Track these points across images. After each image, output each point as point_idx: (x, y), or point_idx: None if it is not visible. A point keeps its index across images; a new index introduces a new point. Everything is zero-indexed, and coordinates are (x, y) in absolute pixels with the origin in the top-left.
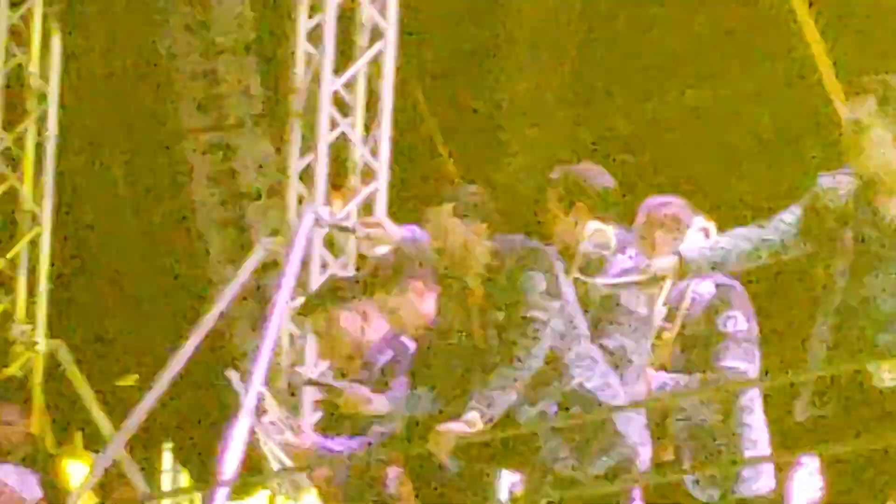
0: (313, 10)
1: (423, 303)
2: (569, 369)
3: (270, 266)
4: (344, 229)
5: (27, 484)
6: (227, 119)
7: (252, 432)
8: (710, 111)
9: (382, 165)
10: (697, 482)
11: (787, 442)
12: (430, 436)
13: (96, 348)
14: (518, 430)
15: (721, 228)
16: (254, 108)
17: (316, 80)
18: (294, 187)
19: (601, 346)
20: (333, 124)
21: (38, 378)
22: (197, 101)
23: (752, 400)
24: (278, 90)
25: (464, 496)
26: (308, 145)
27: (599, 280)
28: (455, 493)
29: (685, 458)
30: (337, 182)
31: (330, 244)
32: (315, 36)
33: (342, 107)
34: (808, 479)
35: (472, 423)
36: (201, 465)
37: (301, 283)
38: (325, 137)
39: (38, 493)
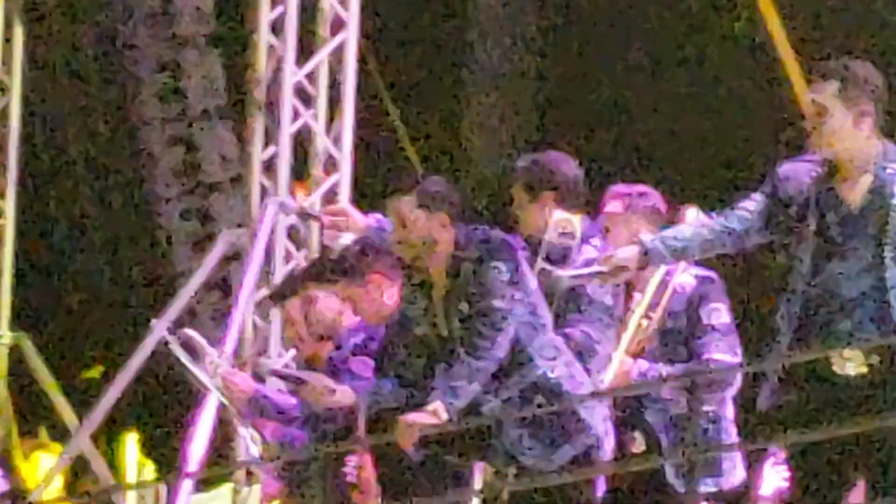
0: (275, 1)
1: (383, 293)
2: (532, 359)
3: (234, 258)
4: (308, 216)
5: None
6: (191, 111)
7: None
8: (674, 96)
9: (345, 156)
10: (683, 474)
11: (751, 432)
12: (395, 426)
13: (60, 340)
14: (482, 421)
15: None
16: (217, 100)
17: (278, 71)
18: (257, 179)
19: (565, 336)
20: (296, 115)
21: (2, 371)
22: (160, 93)
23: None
24: (241, 82)
25: (429, 485)
26: (271, 137)
27: (561, 272)
28: (421, 482)
29: (664, 448)
30: (300, 173)
31: (293, 236)
32: (277, 27)
33: (305, 98)
34: (775, 469)
35: (436, 413)
36: (166, 457)
37: (265, 275)
38: (287, 128)
39: (2, 485)
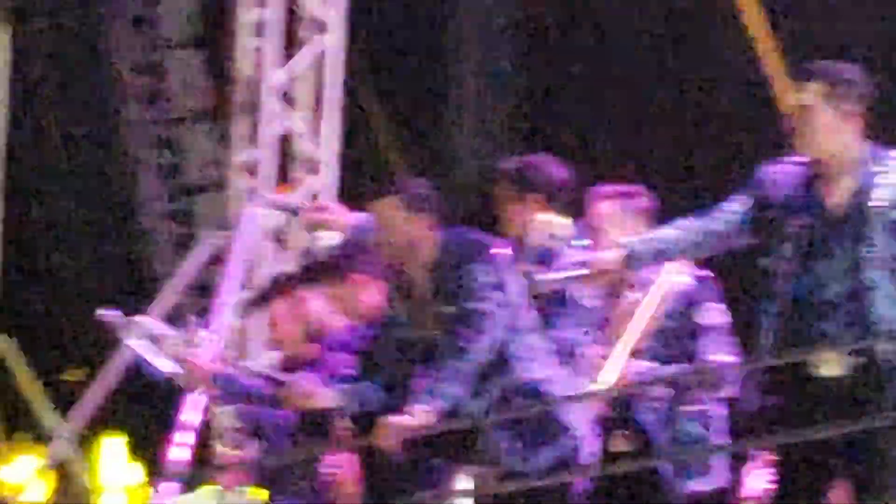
0: (258, 3)
1: (365, 294)
2: (514, 362)
3: (216, 260)
4: (293, 211)
5: None
6: (174, 113)
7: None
8: (659, 98)
9: (328, 159)
10: (681, 474)
11: (735, 433)
12: (377, 428)
13: (43, 343)
14: (464, 423)
15: (671, 217)
16: (200, 103)
17: (261, 73)
18: (239, 181)
19: (549, 338)
20: (279, 118)
21: None
22: (143, 96)
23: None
24: (224, 84)
25: (412, 486)
26: (253, 139)
27: (544, 276)
28: (403, 484)
29: (658, 447)
30: (283, 176)
31: (276, 239)
32: (260, 29)
33: (288, 100)
34: (758, 471)
35: (418, 415)
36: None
37: (247, 277)
38: (269, 131)
39: None
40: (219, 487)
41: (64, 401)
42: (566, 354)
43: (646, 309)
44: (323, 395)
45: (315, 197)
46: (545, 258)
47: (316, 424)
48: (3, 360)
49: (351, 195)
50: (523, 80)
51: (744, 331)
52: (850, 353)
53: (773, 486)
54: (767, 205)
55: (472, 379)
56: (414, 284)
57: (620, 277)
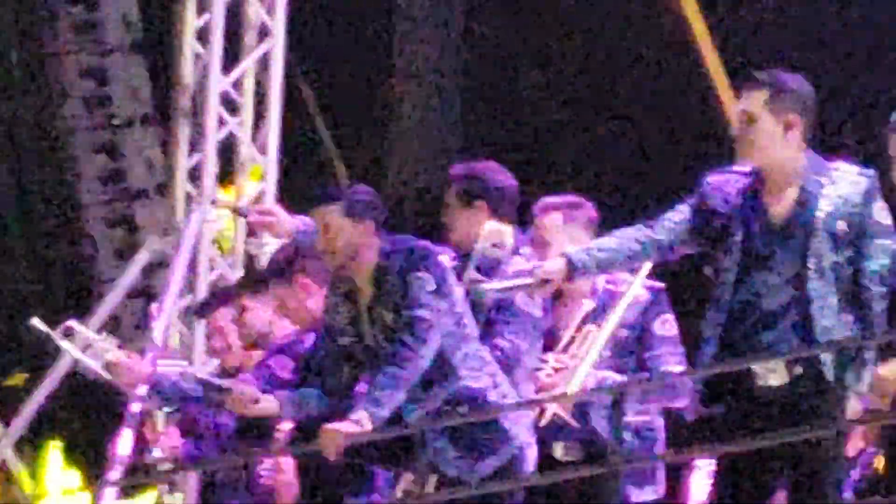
0: (201, 8)
1: (308, 298)
2: (457, 369)
3: (159, 265)
4: (243, 214)
5: None
6: (116, 118)
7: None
8: (606, 107)
9: (271, 164)
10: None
11: (677, 442)
12: (319, 435)
13: None
14: (405, 430)
15: (616, 227)
16: (142, 108)
17: (204, 78)
18: (182, 187)
19: (492, 347)
20: (222, 123)
21: None
22: (85, 101)
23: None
24: (167, 89)
25: (351, 493)
26: (196, 144)
27: (487, 285)
28: (342, 490)
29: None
30: (225, 182)
31: (218, 244)
32: (203, 35)
33: (231, 106)
34: (700, 481)
35: (360, 422)
36: (91, 465)
37: (189, 283)
38: (213, 136)
39: None
40: (157, 493)
41: (4, 406)
42: (509, 363)
43: (611, 319)
44: (266, 401)
45: (258, 200)
46: (490, 266)
47: (256, 429)
48: None
49: (292, 201)
50: (468, 85)
51: (690, 341)
52: (791, 363)
53: (715, 495)
54: (711, 214)
55: (415, 387)
56: (357, 291)
57: (563, 287)
